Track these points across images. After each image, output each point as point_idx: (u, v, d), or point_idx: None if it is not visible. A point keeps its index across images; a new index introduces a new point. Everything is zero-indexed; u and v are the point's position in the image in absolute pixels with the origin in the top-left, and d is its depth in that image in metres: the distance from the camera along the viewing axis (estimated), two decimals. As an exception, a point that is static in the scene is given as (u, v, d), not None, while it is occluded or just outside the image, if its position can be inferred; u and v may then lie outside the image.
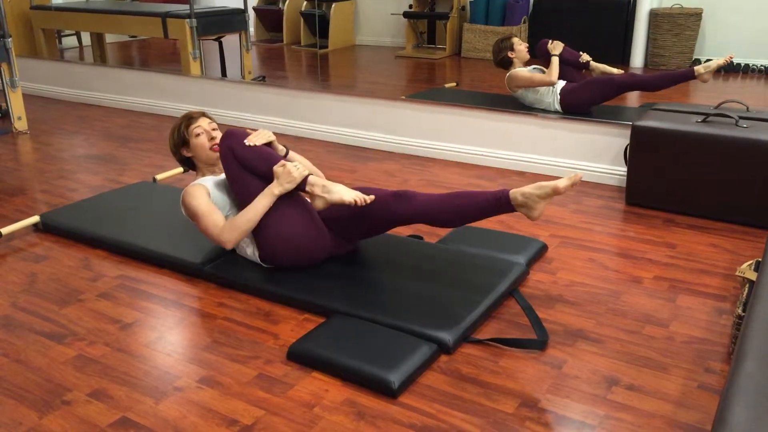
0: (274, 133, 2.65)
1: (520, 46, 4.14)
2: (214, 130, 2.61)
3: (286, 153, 2.58)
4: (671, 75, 3.86)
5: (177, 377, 1.96)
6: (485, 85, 4.96)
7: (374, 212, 2.33)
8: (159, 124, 4.89)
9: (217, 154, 2.60)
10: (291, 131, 4.55)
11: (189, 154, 2.64)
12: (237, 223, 2.37)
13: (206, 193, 2.47)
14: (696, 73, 3.75)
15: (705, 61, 4.75)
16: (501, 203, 2.20)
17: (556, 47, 4.02)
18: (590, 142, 3.57)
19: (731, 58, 3.73)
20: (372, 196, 2.28)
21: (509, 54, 4.13)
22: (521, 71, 4.06)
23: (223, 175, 2.61)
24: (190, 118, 2.62)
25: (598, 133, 3.55)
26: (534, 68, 4.12)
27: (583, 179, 3.59)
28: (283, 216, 2.36)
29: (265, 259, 2.45)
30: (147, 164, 3.93)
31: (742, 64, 4.63)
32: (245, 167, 2.40)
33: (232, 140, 2.42)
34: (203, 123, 2.61)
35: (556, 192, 2.14)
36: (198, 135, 2.59)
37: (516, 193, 2.18)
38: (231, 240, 2.39)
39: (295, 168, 2.35)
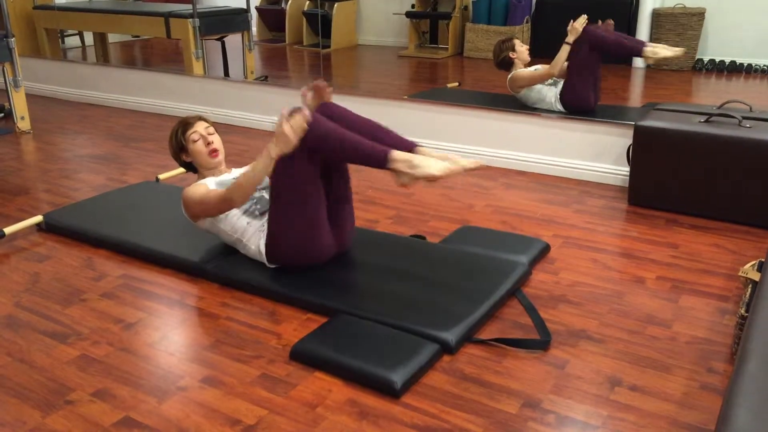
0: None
1: (522, 48, 4.13)
2: (210, 134, 2.60)
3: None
4: (625, 44, 3.99)
5: (180, 377, 1.96)
6: (487, 85, 4.96)
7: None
8: (162, 123, 4.90)
9: (217, 159, 2.60)
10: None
11: (189, 159, 2.63)
12: (240, 181, 2.33)
13: (207, 189, 2.49)
14: (643, 53, 3.88)
15: (707, 62, 4.75)
16: (380, 161, 2.19)
17: (573, 31, 3.86)
18: (593, 141, 3.57)
19: (684, 52, 3.92)
20: (473, 162, 2.22)
21: (510, 55, 4.12)
22: (523, 71, 4.06)
23: (224, 176, 2.61)
24: (186, 124, 2.60)
25: (601, 133, 3.54)
26: (536, 68, 4.11)
27: (585, 179, 3.58)
28: (294, 216, 2.35)
29: (271, 258, 2.45)
30: (150, 164, 3.94)
31: (745, 64, 4.62)
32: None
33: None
34: (199, 128, 2.59)
35: (430, 179, 2.15)
36: (195, 141, 2.57)
37: (397, 162, 2.17)
38: (238, 198, 2.35)
39: (289, 127, 2.17)
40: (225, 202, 2.39)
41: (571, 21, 3.93)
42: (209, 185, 2.51)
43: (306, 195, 2.32)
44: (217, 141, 2.61)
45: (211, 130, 2.61)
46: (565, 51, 3.90)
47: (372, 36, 6.38)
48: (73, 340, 2.16)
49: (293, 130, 2.18)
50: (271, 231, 2.40)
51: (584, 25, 3.88)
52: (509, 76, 4.13)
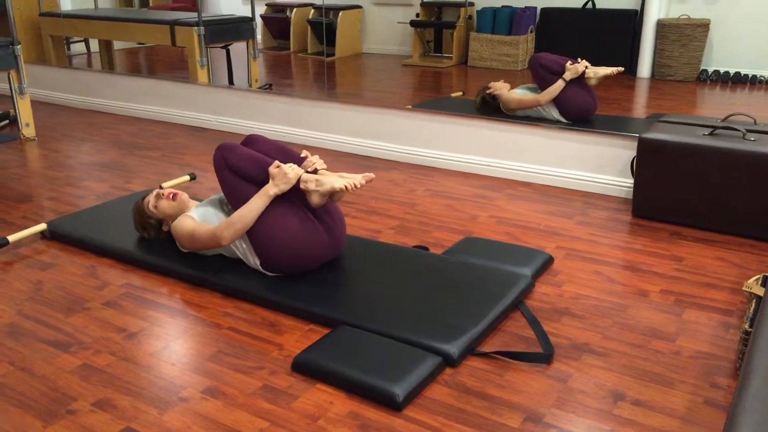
0: (279, 141, 2.68)
1: (497, 83, 4.20)
2: (159, 191, 2.73)
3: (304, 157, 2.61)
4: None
5: (182, 387, 1.96)
6: (492, 95, 4.95)
7: None
8: (166, 131, 4.91)
9: (178, 198, 2.69)
10: (297, 140, 4.56)
11: (167, 228, 2.75)
12: (232, 219, 2.41)
13: (194, 222, 2.57)
14: (585, 75, 4.00)
15: (712, 72, 4.75)
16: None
17: (571, 71, 3.95)
18: (597, 153, 3.57)
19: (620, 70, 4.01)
20: (370, 175, 2.37)
21: (487, 92, 4.20)
22: (512, 94, 4.09)
23: (199, 205, 2.66)
24: (138, 204, 2.77)
25: (605, 145, 3.54)
26: (527, 87, 4.13)
27: (589, 191, 3.58)
28: (277, 219, 2.38)
29: (265, 265, 2.46)
30: (154, 172, 3.95)
31: (750, 76, 4.62)
32: (240, 176, 2.44)
33: (224, 151, 2.48)
34: (149, 196, 2.75)
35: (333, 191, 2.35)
36: (154, 204, 2.71)
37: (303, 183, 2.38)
38: (227, 237, 2.42)
39: (290, 168, 2.38)
40: (214, 239, 2.46)
41: (570, 61, 4.00)
42: (194, 216, 2.59)
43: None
44: (169, 189, 2.74)
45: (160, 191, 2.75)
46: (559, 86, 3.97)
47: (376, 44, 6.40)
48: (76, 349, 2.16)
49: (294, 171, 2.39)
50: (259, 236, 2.42)
51: (585, 69, 3.99)
52: (500, 101, 4.16)
